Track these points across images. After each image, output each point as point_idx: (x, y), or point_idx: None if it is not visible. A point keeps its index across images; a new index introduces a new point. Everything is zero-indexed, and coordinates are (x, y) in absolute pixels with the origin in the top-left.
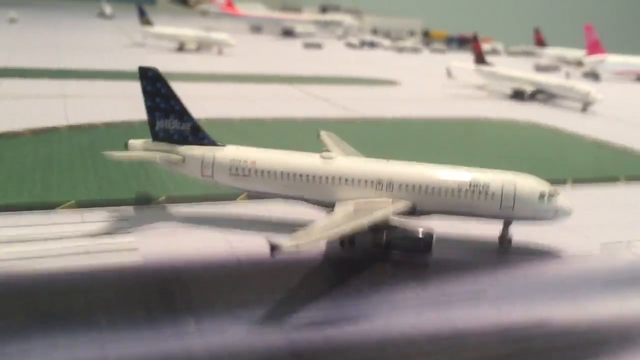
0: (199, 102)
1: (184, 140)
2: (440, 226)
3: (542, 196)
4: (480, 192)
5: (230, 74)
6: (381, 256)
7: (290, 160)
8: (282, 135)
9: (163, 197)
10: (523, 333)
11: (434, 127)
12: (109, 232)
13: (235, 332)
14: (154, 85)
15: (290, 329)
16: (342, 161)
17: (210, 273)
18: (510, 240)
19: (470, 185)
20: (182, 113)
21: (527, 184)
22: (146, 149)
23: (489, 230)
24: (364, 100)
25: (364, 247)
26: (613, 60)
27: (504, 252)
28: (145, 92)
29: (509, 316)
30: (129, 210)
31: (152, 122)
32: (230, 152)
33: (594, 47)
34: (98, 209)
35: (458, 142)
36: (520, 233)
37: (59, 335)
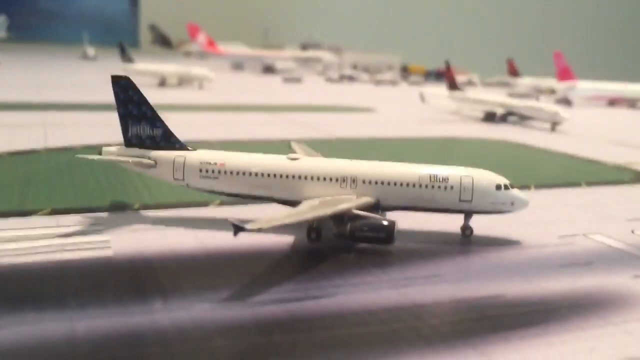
0: (178, 127)
1: (156, 145)
2: (405, 220)
3: (498, 188)
4: (439, 186)
5: (209, 104)
6: (345, 246)
7: (258, 161)
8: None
9: (137, 205)
10: (478, 303)
11: (404, 144)
12: (82, 233)
13: (201, 308)
14: (127, 93)
15: (254, 305)
16: (308, 160)
17: (180, 263)
18: (471, 231)
19: (430, 179)
20: (153, 119)
21: (484, 176)
22: (119, 155)
23: (452, 223)
24: (340, 124)
25: (329, 239)
26: (583, 87)
27: (466, 243)
28: (118, 99)
29: (465, 292)
30: (103, 215)
31: (125, 128)
32: (200, 155)
33: (565, 74)
34: (73, 215)
35: (427, 157)
36: (482, 226)
37: (28, 313)
